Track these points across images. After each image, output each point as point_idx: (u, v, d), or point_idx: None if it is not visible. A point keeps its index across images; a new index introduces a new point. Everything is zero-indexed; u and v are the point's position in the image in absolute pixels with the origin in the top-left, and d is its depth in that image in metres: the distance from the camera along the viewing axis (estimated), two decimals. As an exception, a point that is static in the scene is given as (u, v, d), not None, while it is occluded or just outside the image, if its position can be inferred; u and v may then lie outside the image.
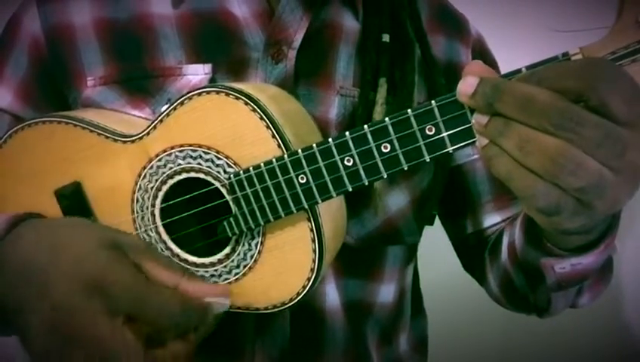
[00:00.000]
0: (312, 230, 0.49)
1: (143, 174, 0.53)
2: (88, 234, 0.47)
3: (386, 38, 0.62)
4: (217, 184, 0.51)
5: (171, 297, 0.46)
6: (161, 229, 0.54)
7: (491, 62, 0.73)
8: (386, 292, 0.67)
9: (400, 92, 0.61)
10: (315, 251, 0.50)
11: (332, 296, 0.63)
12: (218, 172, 0.50)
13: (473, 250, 0.73)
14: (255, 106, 0.48)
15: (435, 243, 0.78)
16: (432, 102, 0.41)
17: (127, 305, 0.44)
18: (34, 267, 0.45)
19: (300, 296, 0.51)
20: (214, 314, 0.49)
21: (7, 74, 0.65)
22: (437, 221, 0.71)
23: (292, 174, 0.47)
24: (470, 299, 1.04)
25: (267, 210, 0.49)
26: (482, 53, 0.73)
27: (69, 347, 0.43)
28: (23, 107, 0.64)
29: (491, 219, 0.71)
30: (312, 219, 0.49)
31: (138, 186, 0.53)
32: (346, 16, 0.64)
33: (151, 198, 0.53)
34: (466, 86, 0.38)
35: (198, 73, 0.60)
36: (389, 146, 0.43)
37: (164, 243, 0.54)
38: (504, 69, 0.42)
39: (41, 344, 0.43)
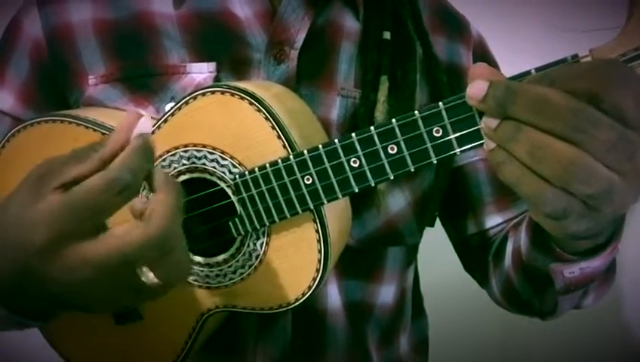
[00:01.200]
0: (317, 231, 0.49)
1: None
2: (19, 193, 0.41)
3: (387, 35, 0.62)
4: (222, 184, 0.51)
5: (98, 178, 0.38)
6: (166, 229, 0.54)
7: (492, 64, 0.73)
8: (387, 293, 0.67)
9: (402, 91, 0.61)
10: (320, 252, 0.49)
11: (334, 296, 0.63)
12: (223, 172, 0.50)
13: (474, 251, 0.73)
14: (260, 106, 0.48)
15: (435, 244, 0.78)
16: (440, 103, 0.41)
17: (82, 228, 0.38)
18: None
19: (305, 297, 0.51)
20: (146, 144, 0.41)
21: (9, 77, 0.64)
22: (437, 222, 0.71)
23: (298, 175, 0.47)
24: (470, 300, 1.04)
25: (272, 210, 0.49)
26: (483, 55, 0.72)
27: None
28: (25, 110, 0.64)
29: (493, 220, 0.70)
30: (317, 220, 0.49)
31: (142, 186, 0.53)
32: (347, 16, 0.64)
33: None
34: (476, 89, 0.37)
35: (202, 71, 0.59)
36: (395, 148, 0.43)
37: None
38: (504, 70, 0.41)
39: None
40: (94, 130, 0.54)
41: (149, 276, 0.40)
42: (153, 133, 0.52)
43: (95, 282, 0.39)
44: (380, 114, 0.59)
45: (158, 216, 0.39)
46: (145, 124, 0.42)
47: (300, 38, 0.60)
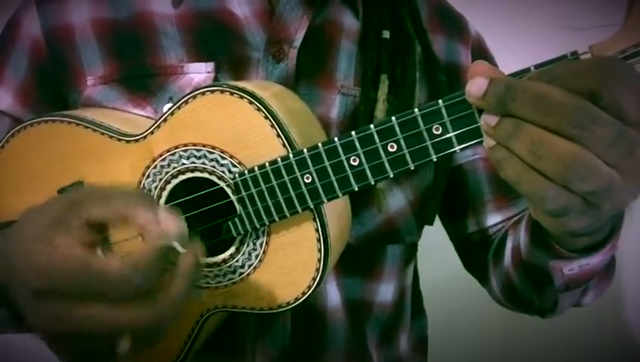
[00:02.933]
0: (317, 230, 0.49)
1: (147, 174, 0.53)
2: (34, 223, 0.42)
3: (386, 34, 0.62)
4: (222, 184, 0.50)
5: (112, 263, 0.39)
6: (165, 229, 0.53)
7: (491, 62, 0.72)
8: (386, 291, 0.67)
9: (401, 89, 0.61)
10: (320, 251, 0.49)
11: (333, 295, 0.63)
12: (222, 171, 0.50)
13: (474, 250, 0.73)
14: (259, 105, 0.48)
15: (434, 243, 0.78)
16: (440, 101, 0.41)
17: (76, 290, 0.39)
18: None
19: (305, 296, 0.51)
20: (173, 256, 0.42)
21: (8, 76, 0.64)
22: (437, 220, 0.71)
23: (297, 174, 0.47)
24: (470, 299, 1.04)
25: (272, 209, 0.49)
26: (482, 54, 0.73)
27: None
28: (23, 109, 0.64)
29: (492, 219, 0.70)
30: (317, 219, 0.49)
31: (142, 186, 0.53)
32: (346, 14, 0.64)
33: (155, 198, 0.53)
34: (476, 86, 0.37)
35: (200, 71, 0.59)
36: (395, 146, 0.43)
37: None
38: (502, 68, 0.41)
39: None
40: (94, 130, 0.54)
41: (124, 347, 0.40)
42: (153, 133, 0.52)
43: (71, 344, 0.41)
44: (379, 112, 0.59)
45: (166, 304, 0.40)
46: (180, 237, 0.41)
47: (299, 36, 0.60)
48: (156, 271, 0.40)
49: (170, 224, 0.41)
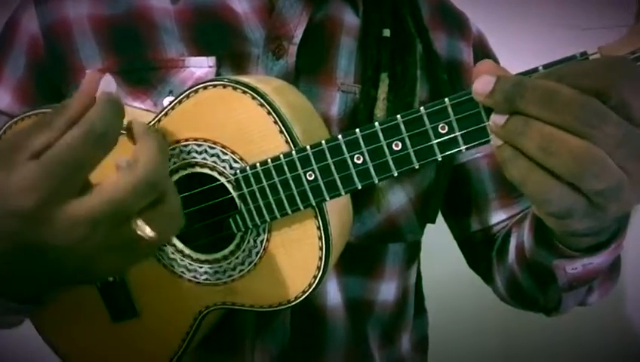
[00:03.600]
0: (319, 228, 0.49)
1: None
2: None
3: (386, 33, 0.62)
4: (223, 180, 0.50)
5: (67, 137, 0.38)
6: (165, 225, 0.53)
7: (493, 60, 0.72)
8: (387, 291, 0.67)
9: (402, 87, 0.61)
10: (321, 249, 0.49)
11: (333, 293, 0.63)
12: (224, 167, 0.50)
13: (478, 248, 0.73)
14: (263, 101, 0.47)
15: (435, 242, 0.78)
16: (446, 100, 0.40)
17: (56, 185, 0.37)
18: None
19: (306, 295, 0.50)
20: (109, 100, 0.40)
21: (6, 75, 0.64)
22: (438, 220, 0.71)
23: (300, 171, 0.47)
24: (471, 298, 1.04)
25: (274, 206, 0.48)
26: (483, 51, 0.72)
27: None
28: (22, 107, 0.64)
29: (497, 217, 0.70)
30: (319, 217, 0.48)
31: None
32: (346, 11, 0.64)
33: None
34: (483, 84, 0.37)
35: (202, 65, 0.59)
36: (400, 144, 0.43)
37: None
38: (510, 65, 0.41)
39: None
40: None
41: (145, 229, 0.39)
42: (153, 125, 0.52)
43: (89, 241, 0.38)
44: (379, 110, 0.59)
45: (143, 160, 0.39)
46: (108, 83, 0.41)
47: (299, 33, 0.60)
48: (108, 113, 0.39)
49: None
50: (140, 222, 0.39)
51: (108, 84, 0.40)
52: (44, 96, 0.64)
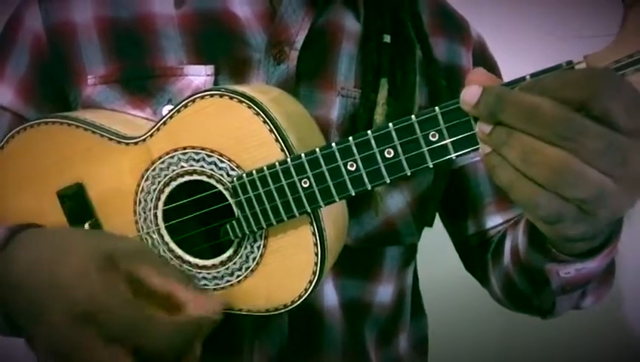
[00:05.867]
0: (314, 233, 0.49)
1: (146, 176, 0.53)
2: (83, 250, 0.47)
3: (387, 38, 0.62)
4: (220, 187, 0.51)
5: (164, 321, 0.46)
6: (164, 231, 0.54)
7: (492, 65, 0.73)
8: (384, 293, 0.67)
9: (401, 93, 0.61)
10: (317, 254, 0.50)
11: (330, 296, 0.63)
12: (221, 175, 0.50)
13: (475, 251, 0.73)
14: (258, 110, 0.48)
15: (433, 244, 0.78)
16: (436, 108, 0.41)
17: (119, 330, 0.44)
18: (32, 283, 0.46)
19: (302, 299, 0.51)
20: (207, 326, 0.49)
21: (8, 71, 0.64)
22: (436, 221, 0.72)
23: (295, 178, 0.47)
24: (469, 299, 1.04)
25: (270, 213, 0.49)
26: (483, 56, 0.72)
27: None
28: (24, 105, 0.64)
29: (493, 221, 0.71)
30: (314, 223, 0.49)
31: (141, 188, 0.54)
32: (347, 17, 0.64)
33: (153, 200, 0.53)
34: (469, 95, 0.38)
35: (200, 74, 0.59)
36: (392, 152, 0.43)
37: (167, 245, 0.54)
38: (505, 71, 0.42)
39: (44, 357, 0.45)
40: (93, 132, 0.54)
41: None
42: (152, 135, 0.53)
43: None
44: (379, 115, 0.59)
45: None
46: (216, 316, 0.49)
47: (300, 38, 0.60)
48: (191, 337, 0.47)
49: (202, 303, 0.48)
50: None
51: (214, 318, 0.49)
52: (47, 93, 0.64)
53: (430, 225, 0.68)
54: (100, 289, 0.44)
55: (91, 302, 0.44)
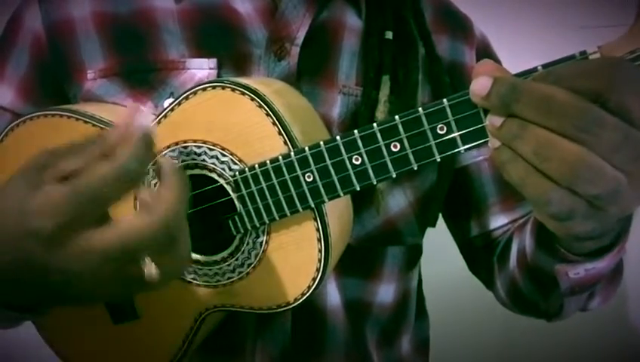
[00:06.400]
0: (318, 229, 0.48)
1: (147, 170, 0.52)
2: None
3: (389, 35, 0.62)
4: (222, 181, 0.50)
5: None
6: (164, 226, 0.53)
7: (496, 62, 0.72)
8: (386, 292, 0.66)
9: (403, 91, 0.60)
10: (320, 251, 0.49)
11: (333, 295, 0.63)
12: (223, 169, 0.50)
13: (479, 252, 0.72)
14: (261, 102, 0.47)
15: (435, 244, 0.77)
16: (444, 100, 0.40)
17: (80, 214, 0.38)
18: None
19: (305, 297, 0.50)
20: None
21: (9, 72, 0.64)
22: (439, 222, 0.71)
23: (299, 172, 0.46)
24: (471, 300, 1.04)
25: (273, 208, 0.48)
26: (487, 55, 0.72)
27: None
28: (25, 105, 0.64)
29: (498, 221, 0.70)
30: (318, 219, 0.48)
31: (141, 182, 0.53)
32: (349, 13, 0.64)
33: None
34: (480, 86, 0.37)
35: (202, 67, 0.59)
36: (398, 145, 0.42)
37: None
38: (508, 68, 0.40)
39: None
40: (93, 125, 0.54)
41: (151, 271, 0.40)
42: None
43: (97, 271, 0.39)
44: (380, 113, 0.59)
45: (165, 205, 0.39)
46: (145, 116, 0.41)
47: (301, 34, 0.60)
48: (144, 153, 0.40)
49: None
50: (148, 263, 0.40)
51: (145, 118, 0.41)
52: (47, 93, 0.64)
53: (433, 225, 0.68)
54: (36, 203, 0.38)
55: (45, 218, 0.37)
